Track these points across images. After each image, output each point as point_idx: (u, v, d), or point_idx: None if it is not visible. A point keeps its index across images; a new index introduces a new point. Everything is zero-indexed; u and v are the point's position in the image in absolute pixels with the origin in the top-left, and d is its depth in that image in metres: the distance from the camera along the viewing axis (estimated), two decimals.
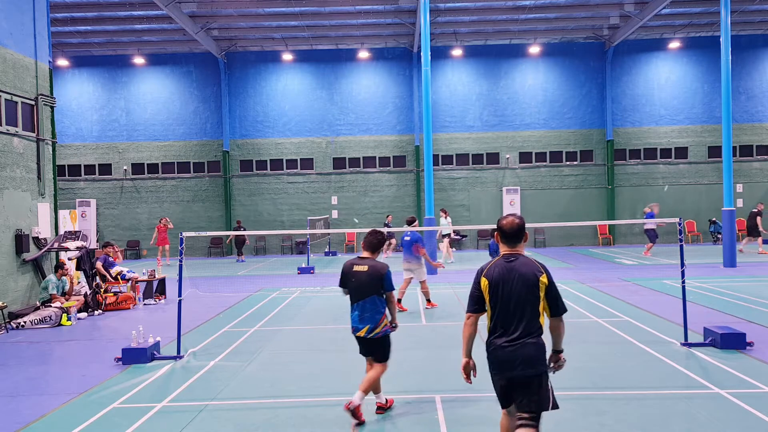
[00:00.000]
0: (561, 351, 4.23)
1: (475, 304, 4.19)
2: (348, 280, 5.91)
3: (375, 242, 6.12)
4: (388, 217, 25.83)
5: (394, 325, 5.99)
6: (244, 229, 25.00)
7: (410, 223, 12.31)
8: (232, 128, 28.23)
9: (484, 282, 4.12)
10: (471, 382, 4.36)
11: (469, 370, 4.31)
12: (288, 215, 28.07)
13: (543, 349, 4.04)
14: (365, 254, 6.06)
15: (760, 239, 21.67)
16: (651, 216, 21.44)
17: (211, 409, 6.28)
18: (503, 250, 4.22)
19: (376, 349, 5.84)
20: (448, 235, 21.54)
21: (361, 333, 5.79)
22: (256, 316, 11.55)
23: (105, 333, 10.67)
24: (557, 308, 4.07)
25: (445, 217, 21.82)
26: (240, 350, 8.85)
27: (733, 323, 9.49)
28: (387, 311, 5.90)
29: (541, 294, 4.02)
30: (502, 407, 4.23)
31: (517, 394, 4.05)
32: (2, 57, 12.00)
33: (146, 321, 11.50)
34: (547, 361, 4.13)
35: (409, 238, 11.61)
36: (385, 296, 5.84)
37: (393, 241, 24.57)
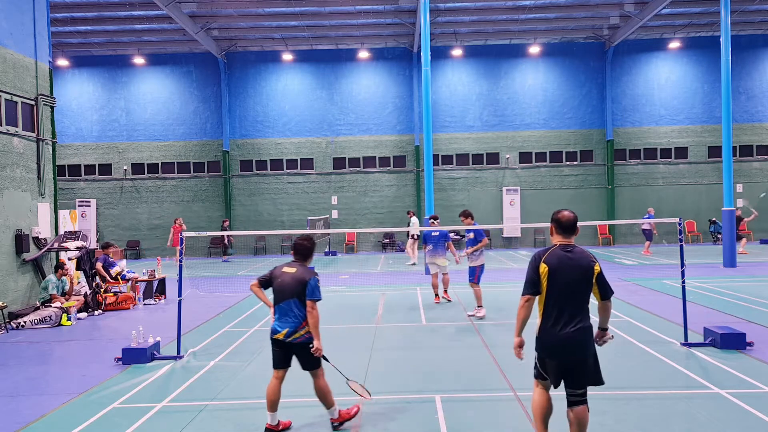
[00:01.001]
0: (606, 329, 4.72)
1: (532, 287, 4.53)
2: (274, 281, 5.59)
3: (302, 249, 5.65)
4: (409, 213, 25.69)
5: (313, 347, 5.44)
6: (225, 229, 24.83)
7: (435, 219, 13.31)
8: (232, 128, 28.23)
9: (543, 267, 4.48)
10: (522, 358, 4.66)
11: (520, 346, 4.66)
12: (288, 215, 28.07)
13: (592, 331, 4.53)
14: (296, 260, 5.67)
15: (743, 240, 21.71)
16: (650, 217, 21.50)
17: (211, 409, 6.28)
18: (558, 240, 4.62)
19: (301, 355, 5.46)
20: (414, 235, 22.10)
21: (280, 335, 5.42)
22: (256, 316, 11.55)
23: (105, 333, 10.67)
24: (607, 292, 4.57)
25: (412, 217, 23.14)
26: (240, 350, 8.84)
27: (733, 323, 9.49)
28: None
29: (594, 280, 4.49)
30: (554, 386, 4.52)
31: (572, 374, 4.43)
32: (2, 57, 12.00)
33: (146, 321, 11.50)
34: (594, 338, 4.56)
35: (437, 234, 12.01)
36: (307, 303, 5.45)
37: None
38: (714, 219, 27.14)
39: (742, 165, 27.63)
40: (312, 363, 5.51)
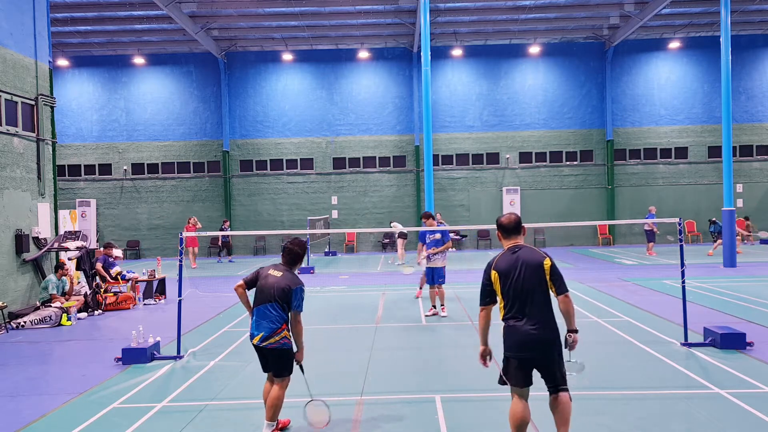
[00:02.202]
0: (575, 331, 4.54)
1: (487, 297, 4.61)
2: (258, 281, 5.53)
3: (292, 255, 5.54)
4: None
5: (296, 358, 5.45)
6: (222, 230, 24.66)
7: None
8: (232, 128, 28.23)
9: (494, 274, 4.52)
10: (488, 366, 4.80)
11: (486, 355, 4.76)
12: (288, 215, 28.07)
13: (556, 328, 4.48)
14: (283, 264, 5.57)
15: (719, 241, 21.67)
16: (651, 216, 21.52)
17: (211, 409, 6.28)
18: (506, 244, 4.67)
19: (272, 361, 5.38)
20: (405, 235, 22.05)
21: (256, 339, 5.36)
22: None
23: (105, 333, 10.67)
24: (562, 286, 4.48)
25: (392, 223, 23.31)
26: (240, 350, 8.84)
27: (733, 323, 9.49)
28: (291, 331, 5.41)
29: (547, 276, 4.47)
30: (520, 387, 4.52)
31: (541, 370, 4.48)
32: (2, 57, 12.00)
33: (146, 321, 11.49)
34: (563, 342, 4.51)
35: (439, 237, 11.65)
36: (290, 313, 5.39)
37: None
38: (714, 219, 27.08)
39: (742, 165, 27.62)
40: (282, 370, 5.38)
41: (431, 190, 17.88)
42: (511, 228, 4.65)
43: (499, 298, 4.57)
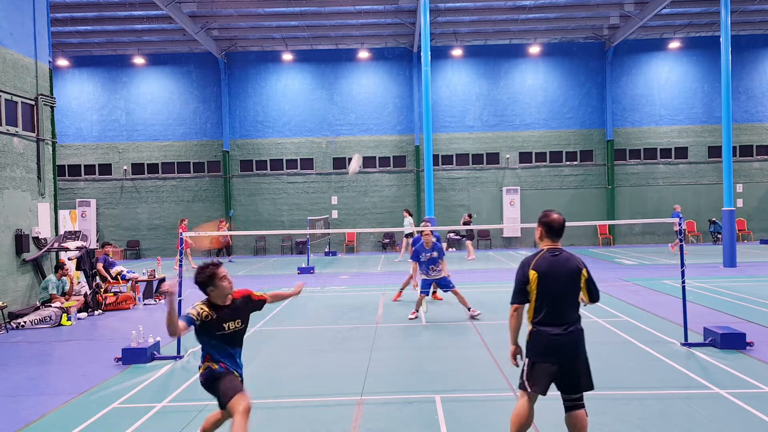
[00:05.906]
0: None
1: (521, 295, 4.50)
2: None
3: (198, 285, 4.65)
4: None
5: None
6: (220, 229, 24.54)
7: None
8: (232, 128, 28.23)
9: (533, 274, 4.42)
10: (518, 365, 4.67)
11: (516, 354, 4.67)
12: (288, 215, 28.07)
13: (584, 334, 4.49)
14: None
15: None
16: (677, 215, 21.60)
17: (211, 409, 6.26)
18: (546, 244, 4.56)
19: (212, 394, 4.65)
20: (411, 234, 21.48)
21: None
22: (256, 316, 11.47)
23: (105, 333, 10.67)
24: (596, 296, 4.57)
25: (408, 217, 22.28)
26: None
27: (733, 323, 9.49)
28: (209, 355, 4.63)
29: (582, 284, 4.47)
30: (542, 394, 4.44)
31: (565, 378, 4.40)
32: (2, 57, 12.00)
33: (146, 321, 11.48)
34: None
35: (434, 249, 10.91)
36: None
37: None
38: (714, 219, 27.14)
39: (742, 165, 27.62)
40: (220, 400, 4.61)
41: (431, 190, 17.88)
42: (557, 229, 4.51)
43: (532, 299, 4.45)
